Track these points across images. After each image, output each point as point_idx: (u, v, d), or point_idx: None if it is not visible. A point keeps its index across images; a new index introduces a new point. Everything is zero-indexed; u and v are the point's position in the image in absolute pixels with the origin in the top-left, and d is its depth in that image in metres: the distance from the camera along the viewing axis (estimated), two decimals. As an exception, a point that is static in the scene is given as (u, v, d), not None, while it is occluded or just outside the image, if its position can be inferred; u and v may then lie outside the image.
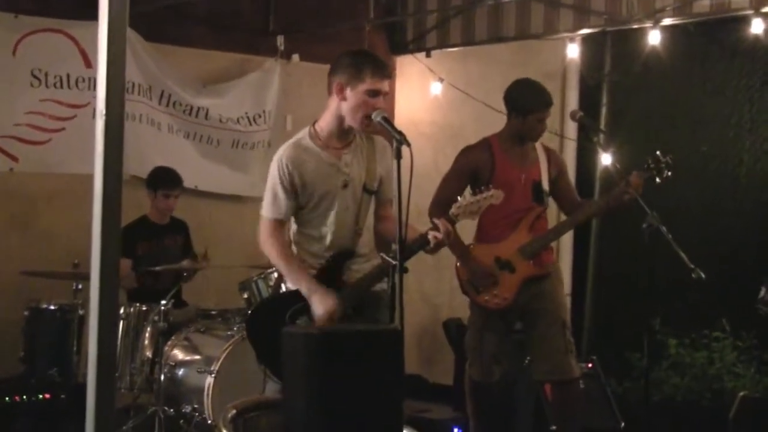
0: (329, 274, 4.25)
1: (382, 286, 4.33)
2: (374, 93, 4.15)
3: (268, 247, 4.28)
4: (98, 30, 2.51)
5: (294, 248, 4.36)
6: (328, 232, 4.26)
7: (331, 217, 4.24)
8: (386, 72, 4.25)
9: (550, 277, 5.35)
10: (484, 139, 5.39)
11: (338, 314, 4.12)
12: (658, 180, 5.18)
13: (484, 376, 5.32)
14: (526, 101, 5.25)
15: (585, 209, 5.41)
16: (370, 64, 4.19)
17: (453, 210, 4.18)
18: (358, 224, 4.30)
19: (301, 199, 4.24)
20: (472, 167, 5.28)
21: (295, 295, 4.22)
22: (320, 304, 4.12)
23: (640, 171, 5.17)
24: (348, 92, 4.17)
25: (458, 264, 5.33)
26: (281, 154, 4.26)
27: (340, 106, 4.20)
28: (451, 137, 7.55)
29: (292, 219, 4.33)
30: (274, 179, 4.24)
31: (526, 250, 5.24)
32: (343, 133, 4.27)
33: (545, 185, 5.33)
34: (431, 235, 4.08)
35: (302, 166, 4.21)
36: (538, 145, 5.40)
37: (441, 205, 4.98)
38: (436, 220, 4.12)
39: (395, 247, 3.82)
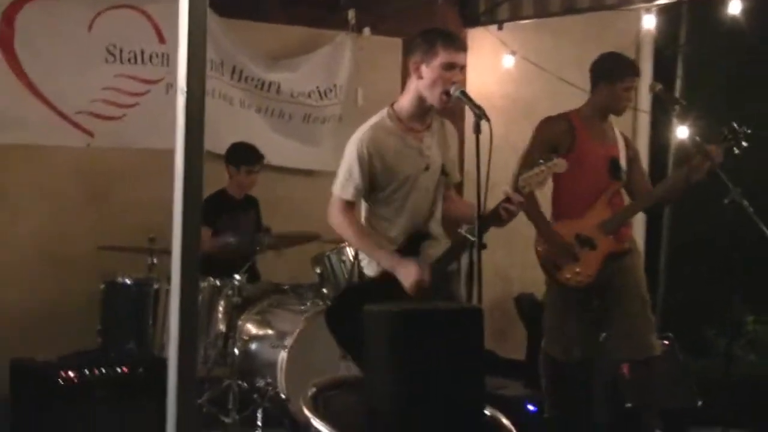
0: (405, 255, 4.19)
1: (454, 265, 4.30)
2: (449, 66, 4.10)
3: (342, 226, 4.22)
4: (176, 6, 2.51)
5: None
6: (404, 214, 4.20)
7: (411, 200, 4.19)
8: (459, 44, 4.20)
9: (630, 253, 5.27)
10: (564, 113, 5.31)
11: (426, 283, 4.05)
12: (736, 151, 5.08)
13: (565, 356, 5.23)
14: (614, 67, 5.23)
15: (664, 183, 5.33)
16: (441, 38, 4.15)
17: (520, 182, 4.13)
18: (434, 206, 4.27)
19: (381, 181, 4.17)
20: (552, 138, 5.18)
21: (377, 282, 4.18)
22: (407, 276, 4.06)
23: (717, 142, 5.08)
24: (423, 69, 4.13)
25: (538, 240, 5.25)
26: (362, 136, 4.17)
27: (418, 85, 4.15)
28: (523, 111, 7.47)
29: (362, 200, 4.28)
30: (351, 161, 4.15)
31: (608, 225, 5.15)
32: (423, 114, 4.23)
33: (623, 163, 5.26)
34: (502, 207, 4.02)
35: (384, 149, 4.15)
36: (615, 128, 5.34)
37: None
38: (507, 193, 4.04)
39: (467, 227, 3.81)
